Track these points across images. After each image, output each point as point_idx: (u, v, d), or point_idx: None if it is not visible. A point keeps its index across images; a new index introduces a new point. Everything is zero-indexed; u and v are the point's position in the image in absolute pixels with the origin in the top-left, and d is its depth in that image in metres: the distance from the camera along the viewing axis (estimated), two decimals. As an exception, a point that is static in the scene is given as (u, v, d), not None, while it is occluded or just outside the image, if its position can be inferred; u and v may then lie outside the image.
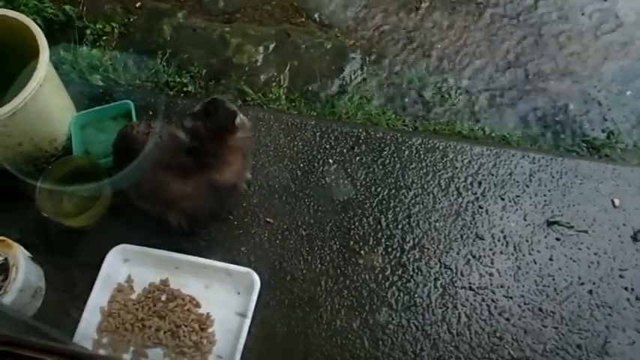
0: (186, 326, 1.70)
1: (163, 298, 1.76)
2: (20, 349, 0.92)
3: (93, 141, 2.03)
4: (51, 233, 1.86)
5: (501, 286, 1.79)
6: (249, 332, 1.67)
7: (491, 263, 1.83)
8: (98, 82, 2.35)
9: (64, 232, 1.85)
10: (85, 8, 2.69)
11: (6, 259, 1.67)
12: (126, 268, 1.81)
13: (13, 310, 1.50)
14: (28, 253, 1.75)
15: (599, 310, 1.76)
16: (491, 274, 1.81)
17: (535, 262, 1.83)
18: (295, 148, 2.04)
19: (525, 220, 1.90)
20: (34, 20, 1.86)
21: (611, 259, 1.83)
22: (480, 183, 1.97)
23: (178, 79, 2.45)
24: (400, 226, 1.89)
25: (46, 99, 1.82)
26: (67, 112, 2.01)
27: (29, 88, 1.70)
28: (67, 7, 2.61)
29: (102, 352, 1.67)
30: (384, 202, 1.94)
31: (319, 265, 1.83)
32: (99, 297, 1.75)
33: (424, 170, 2.00)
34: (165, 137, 1.73)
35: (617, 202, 1.93)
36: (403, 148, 2.04)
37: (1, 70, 1.82)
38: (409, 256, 1.84)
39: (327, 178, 1.99)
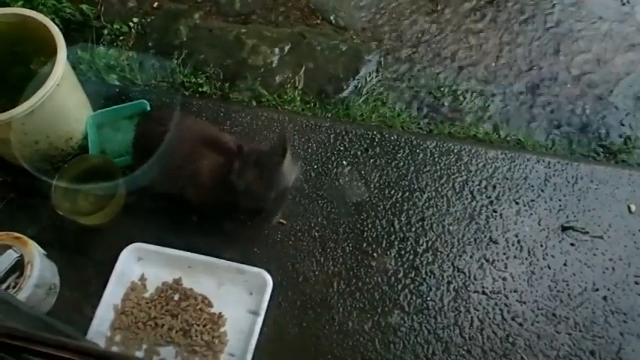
0: (198, 325, 1.70)
1: (176, 297, 1.76)
2: (34, 345, 0.93)
3: (109, 140, 2.05)
4: (66, 231, 1.88)
5: (515, 291, 1.79)
6: (260, 332, 1.68)
7: (505, 268, 1.82)
8: (114, 82, 2.36)
9: (78, 230, 1.87)
10: (102, 8, 2.70)
11: (21, 255, 1.69)
12: (139, 266, 1.82)
13: (28, 307, 1.51)
14: (42, 251, 1.76)
15: (613, 316, 1.74)
16: (504, 279, 1.80)
17: (549, 267, 1.82)
18: (309, 150, 2.05)
19: (540, 224, 1.89)
20: (52, 20, 1.88)
21: (627, 265, 1.82)
22: (494, 187, 1.96)
23: (194, 80, 2.45)
24: (413, 229, 1.89)
25: (63, 98, 1.84)
26: (83, 111, 2.03)
27: (47, 86, 1.72)
28: (84, 7, 2.63)
29: (114, 349, 1.68)
30: (398, 204, 1.93)
31: (332, 267, 1.83)
32: (112, 295, 1.76)
33: (438, 173, 1.99)
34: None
35: (633, 207, 1.91)
36: (417, 150, 2.04)
37: (20, 68, 1.84)
38: (422, 259, 1.84)
39: (340, 180, 1.99)
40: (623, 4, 2.75)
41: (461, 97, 2.50)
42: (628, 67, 2.57)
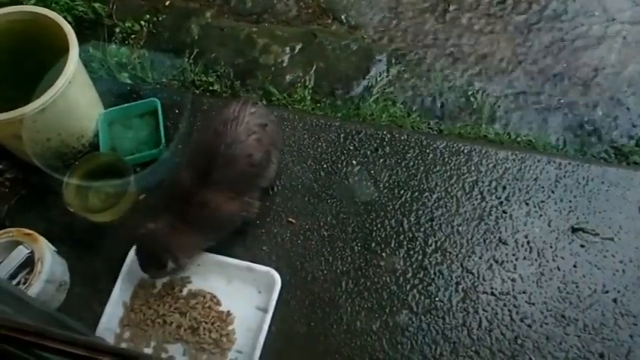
0: (206, 323, 1.71)
1: (184, 294, 1.77)
2: (44, 340, 0.93)
3: (120, 138, 2.06)
4: (76, 228, 1.89)
5: (524, 292, 1.78)
6: (268, 330, 1.68)
7: (514, 269, 1.82)
8: (126, 80, 2.37)
9: (89, 227, 1.88)
10: (114, 6, 2.71)
11: (32, 252, 1.70)
12: (149, 264, 1.83)
13: (38, 302, 1.52)
14: (53, 247, 1.78)
15: (623, 319, 1.73)
16: (513, 280, 1.80)
17: (559, 269, 1.81)
18: (319, 149, 2.05)
19: (550, 226, 1.88)
20: (65, 18, 1.89)
21: (637, 267, 1.81)
22: (504, 187, 1.95)
23: (205, 78, 2.46)
24: (422, 229, 1.89)
25: (75, 96, 1.85)
26: (94, 109, 2.04)
27: (58, 84, 1.73)
28: (96, 5, 2.64)
29: (123, 346, 1.69)
30: (407, 204, 1.93)
31: (340, 266, 1.83)
32: (122, 292, 1.77)
33: (448, 173, 1.99)
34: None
35: (644, 209, 1.90)
36: (427, 151, 2.03)
37: (32, 66, 1.85)
38: (431, 259, 1.84)
39: (350, 180, 1.99)
40: (637, 5, 2.73)
41: (472, 98, 2.49)
42: (641, 67, 2.55)
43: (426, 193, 1.95)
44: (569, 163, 2.00)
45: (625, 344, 1.69)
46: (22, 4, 2.14)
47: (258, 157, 1.71)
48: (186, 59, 2.54)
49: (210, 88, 2.45)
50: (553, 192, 1.94)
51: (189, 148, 1.88)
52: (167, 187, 1.78)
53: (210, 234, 1.75)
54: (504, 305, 1.76)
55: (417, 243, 1.86)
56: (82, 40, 1.85)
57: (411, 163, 2.01)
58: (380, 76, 2.56)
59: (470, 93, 2.50)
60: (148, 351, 1.69)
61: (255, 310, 1.74)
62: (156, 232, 1.68)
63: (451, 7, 2.77)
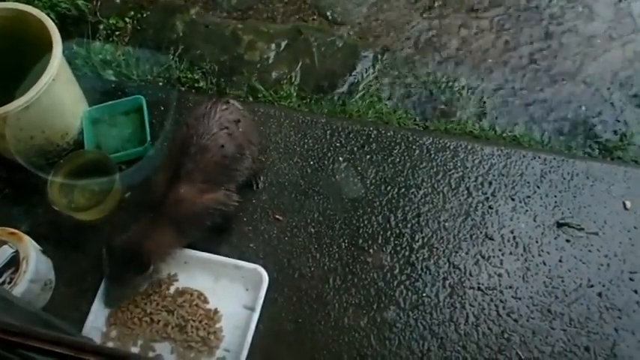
0: (194, 321, 1.70)
1: (172, 292, 1.76)
2: (30, 340, 0.93)
3: (104, 135, 2.05)
4: (61, 226, 1.87)
5: (510, 287, 1.79)
6: (256, 328, 1.68)
7: (501, 264, 1.83)
8: (110, 77, 2.36)
9: (74, 226, 1.87)
10: (98, 3, 2.69)
11: (17, 251, 1.68)
12: (135, 262, 1.82)
13: (23, 302, 1.51)
14: (38, 246, 1.76)
15: (608, 312, 1.75)
16: (500, 275, 1.81)
17: (544, 264, 1.82)
18: (306, 146, 2.04)
19: (535, 221, 1.89)
20: (48, 15, 1.88)
21: (622, 261, 1.82)
22: (490, 183, 1.96)
23: (190, 75, 2.45)
24: (409, 225, 1.89)
25: (59, 93, 1.83)
26: (79, 107, 2.02)
27: (42, 82, 1.72)
28: (80, 2, 2.62)
29: (110, 345, 1.68)
30: (394, 200, 1.94)
31: (327, 263, 1.83)
32: (108, 290, 1.76)
33: (434, 169, 1.99)
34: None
35: (628, 204, 1.92)
36: (414, 147, 2.04)
37: (15, 63, 1.84)
38: (418, 255, 1.84)
39: (337, 176, 1.98)
40: (620, 1, 2.75)
41: (457, 94, 2.50)
42: (624, 63, 2.57)
43: (413, 190, 1.96)
44: (554, 159, 2.01)
45: (610, 337, 1.71)
46: (5, 1, 2.12)
47: (230, 149, 1.71)
48: (172, 56, 2.53)
49: (196, 85, 2.44)
50: (538, 187, 1.95)
51: (167, 150, 1.88)
52: (146, 189, 1.76)
53: (188, 230, 1.72)
54: (491, 300, 1.77)
55: (404, 239, 1.87)
56: (65, 37, 1.84)
57: (398, 160, 2.01)
58: (366, 72, 2.56)
59: (456, 89, 2.51)
60: (135, 350, 1.68)
61: (242, 308, 1.74)
62: (128, 242, 1.66)
63: (436, 4, 2.78)
